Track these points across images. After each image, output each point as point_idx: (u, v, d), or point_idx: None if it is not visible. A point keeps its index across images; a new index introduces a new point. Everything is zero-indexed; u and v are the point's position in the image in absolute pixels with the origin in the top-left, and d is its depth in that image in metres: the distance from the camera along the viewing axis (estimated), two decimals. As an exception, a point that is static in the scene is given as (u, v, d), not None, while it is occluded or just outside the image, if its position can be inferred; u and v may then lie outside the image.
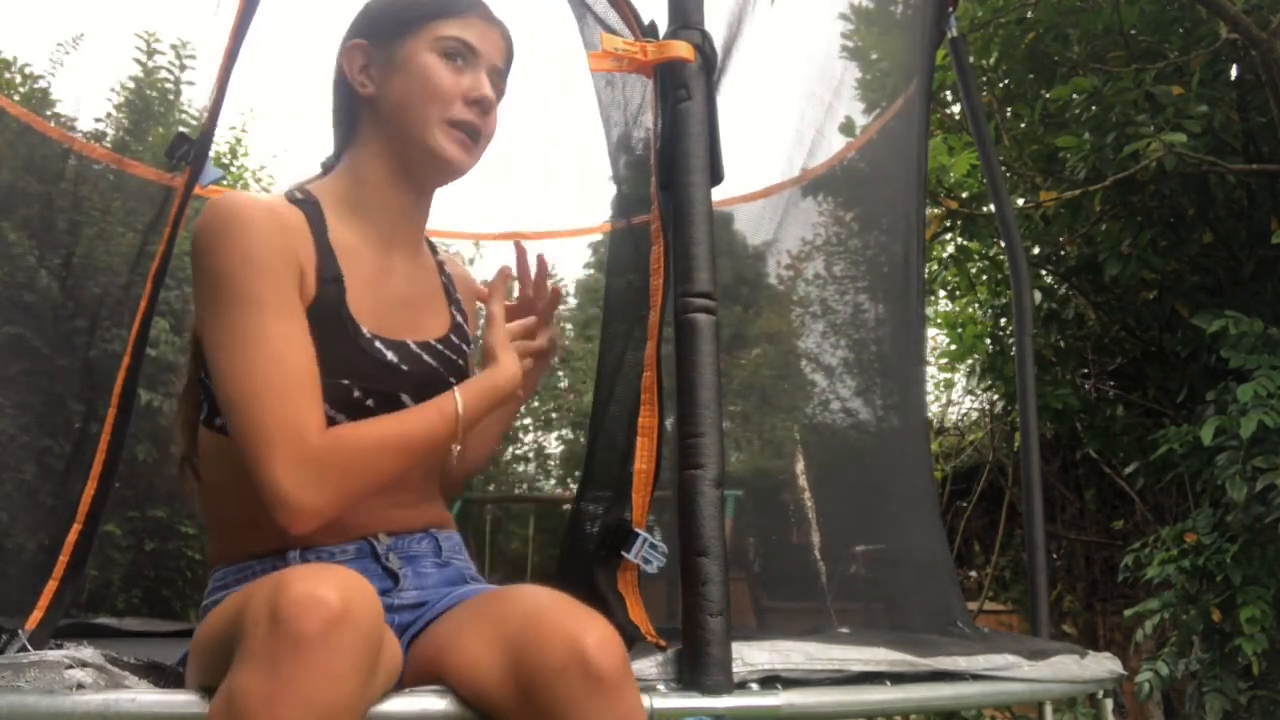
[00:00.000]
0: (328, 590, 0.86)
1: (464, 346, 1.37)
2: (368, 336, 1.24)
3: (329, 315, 1.20)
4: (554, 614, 1.01)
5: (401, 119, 1.27)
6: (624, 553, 1.22)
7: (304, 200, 1.26)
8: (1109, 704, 1.59)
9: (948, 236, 3.95)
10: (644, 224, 1.39)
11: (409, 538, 1.28)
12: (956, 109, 3.76)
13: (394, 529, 1.27)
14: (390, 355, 1.25)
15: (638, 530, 1.21)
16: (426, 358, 1.29)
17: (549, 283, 1.42)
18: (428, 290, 1.37)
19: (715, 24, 1.30)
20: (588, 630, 0.97)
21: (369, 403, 1.22)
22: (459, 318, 1.40)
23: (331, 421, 1.19)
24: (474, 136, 1.28)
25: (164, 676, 1.01)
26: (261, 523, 1.10)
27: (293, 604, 0.84)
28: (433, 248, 1.45)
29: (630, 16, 1.35)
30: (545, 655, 0.96)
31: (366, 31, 1.31)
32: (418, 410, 1.18)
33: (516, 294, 1.47)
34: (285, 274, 1.14)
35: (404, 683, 1.07)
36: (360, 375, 1.21)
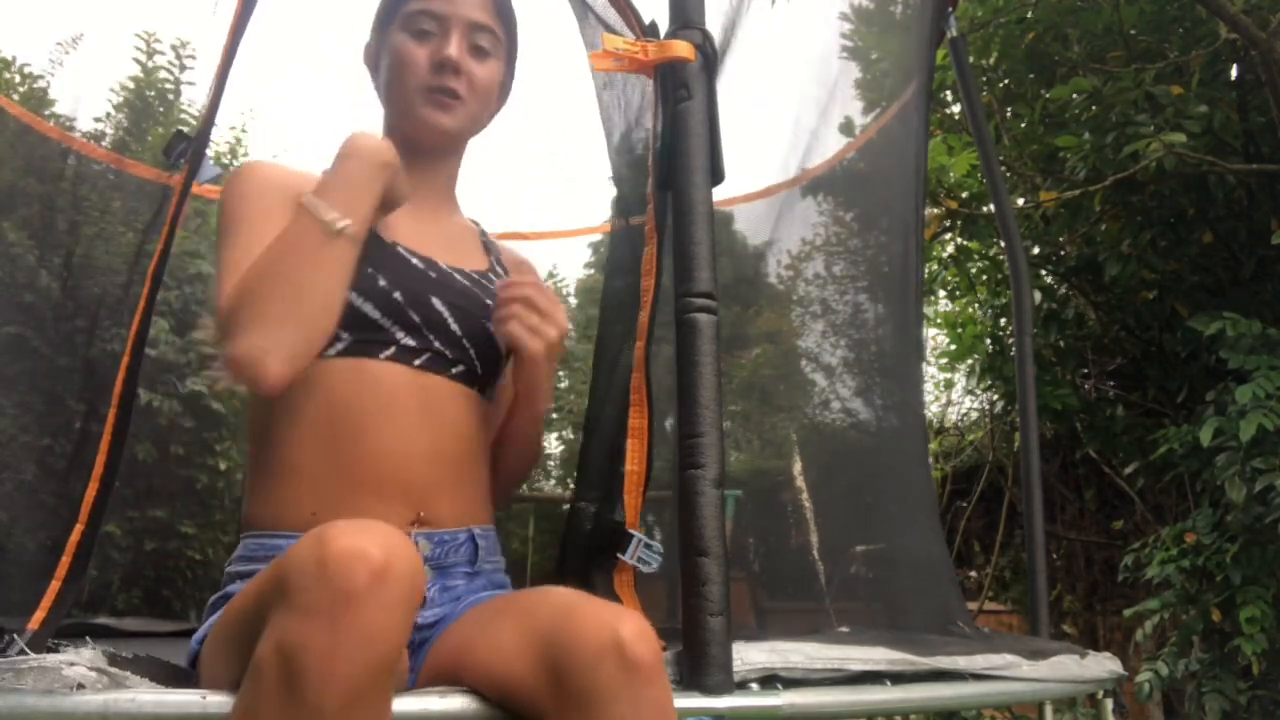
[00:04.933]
0: (371, 544, 0.87)
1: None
2: (390, 243, 1.32)
3: None
4: (588, 605, 1.03)
5: (389, 100, 1.39)
6: (620, 554, 1.22)
7: None
8: (1109, 704, 1.58)
9: (948, 236, 3.95)
10: (641, 225, 1.39)
11: (448, 541, 1.26)
12: (956, 109, 3.76)
13: (433, 518, 1.24)
14: (416, 261, 1.32)
15: (633, 532, 1.21)
16: (459, 277, 1.36)
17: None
18: (460, 236, 1.45)
19: (710, 26, 1.30)
20: (623, 621, 0.98)
21: (396, 295, 1.26)
22: (496, 265, 1.46)
23: (359, 313, 1.23)
24: (452, 95, 1.34)
25: (169, 674, 1.01)
26: (296, 484, 1.19)
27: (339, 558, 0.85)
28: (484, 235, 1.53)
29: (631, 16, 1.35)
30: (581, 643, 0.96)
31: (372, 28, 1.44)
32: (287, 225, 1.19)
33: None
34: (275, 197, 1.25)
35: (420, 685, 1.07)
36: (385, 269, 1.27)
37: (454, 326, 1.30)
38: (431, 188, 1.43)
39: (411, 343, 1.26)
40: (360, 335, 1.24)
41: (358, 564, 0.85)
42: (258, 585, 0.97)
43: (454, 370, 1.29)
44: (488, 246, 1.50)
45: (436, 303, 1.29)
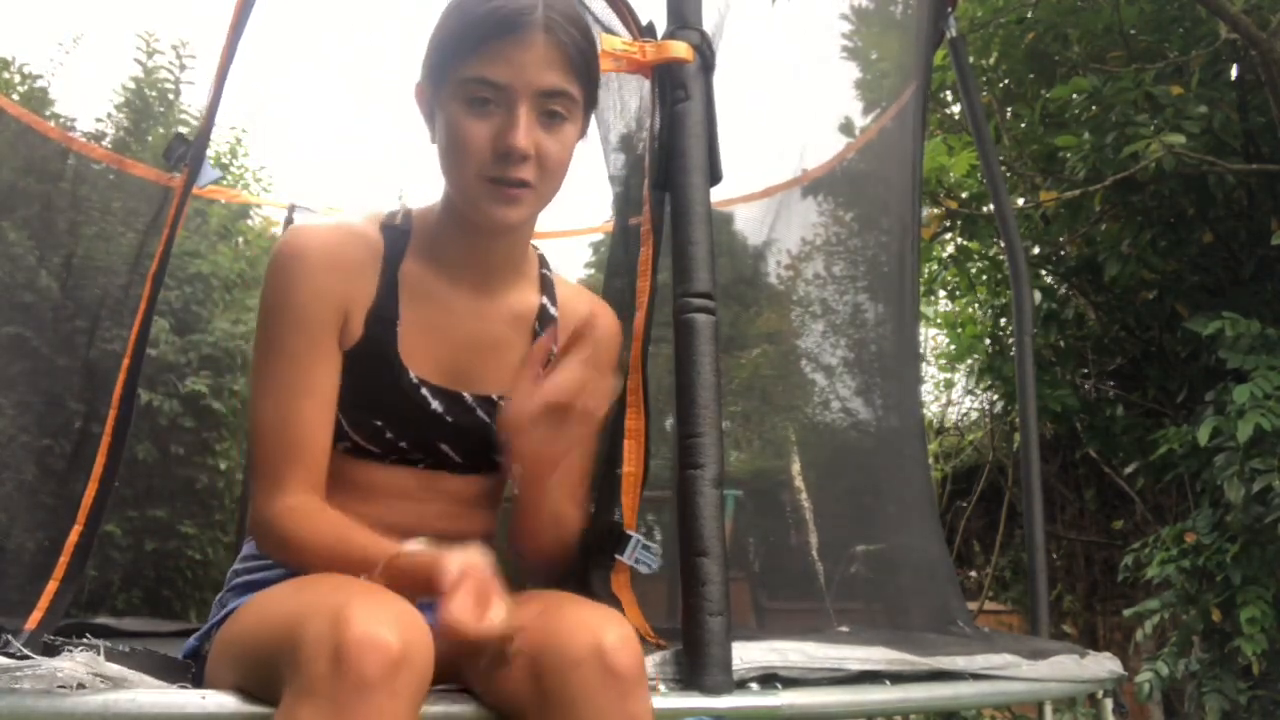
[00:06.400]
0: (388, 632, 0.87)
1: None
2: (414, 382, 1.23)
3: (375, 356, 1.21)
4: (575, 610, 1.03)
5: (447, 175, 1.20)
6: (617, 555, 1.22)
7: (396, 228, 1.26)
8: (1109, 704, 1.59)
9: (948, 236, 3.95)
10: (637, 226, 1.39)
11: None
12: (956, 109, 3.76)
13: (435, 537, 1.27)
14: (435, 404, 1.24)
15: (630, 533, 1.21)
16: (480, 413, 1.27)
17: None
18: (500, 338, 1.29)
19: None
20: (608, 627, 0.97)
21: (402, 444, 1.23)
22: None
23: (364, 451, 1.22)
24: (519, 185, 1.14)
25: (167, 668, 1.01)
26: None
27: (355, 645, 0.85)
28: (549, 287, 1.35)
29: (628, 17, 1.35)
30: (564, 647, 0.96)
31: (423, 73, 1.22)
32: (358, 546, 1.09)
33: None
34: (322, 320, 1.18)
35: None
36: (397, 419, 1.22)
37: (457, 458, 1.27)
38: (489, 266, 1.27)
39: (413, 459, 1.26)
40: (361, 456, 1.24)
41: (373, 653, 0.85)
42: (271, 627, 0.97)
43: (454, 470, 1.28)
44: (538, 330, 1.31)
45: (444, 446, 1.26)
